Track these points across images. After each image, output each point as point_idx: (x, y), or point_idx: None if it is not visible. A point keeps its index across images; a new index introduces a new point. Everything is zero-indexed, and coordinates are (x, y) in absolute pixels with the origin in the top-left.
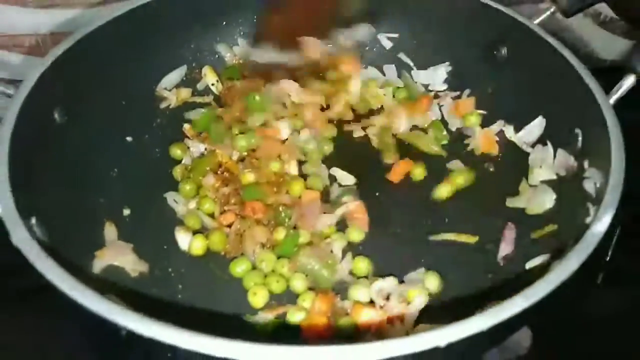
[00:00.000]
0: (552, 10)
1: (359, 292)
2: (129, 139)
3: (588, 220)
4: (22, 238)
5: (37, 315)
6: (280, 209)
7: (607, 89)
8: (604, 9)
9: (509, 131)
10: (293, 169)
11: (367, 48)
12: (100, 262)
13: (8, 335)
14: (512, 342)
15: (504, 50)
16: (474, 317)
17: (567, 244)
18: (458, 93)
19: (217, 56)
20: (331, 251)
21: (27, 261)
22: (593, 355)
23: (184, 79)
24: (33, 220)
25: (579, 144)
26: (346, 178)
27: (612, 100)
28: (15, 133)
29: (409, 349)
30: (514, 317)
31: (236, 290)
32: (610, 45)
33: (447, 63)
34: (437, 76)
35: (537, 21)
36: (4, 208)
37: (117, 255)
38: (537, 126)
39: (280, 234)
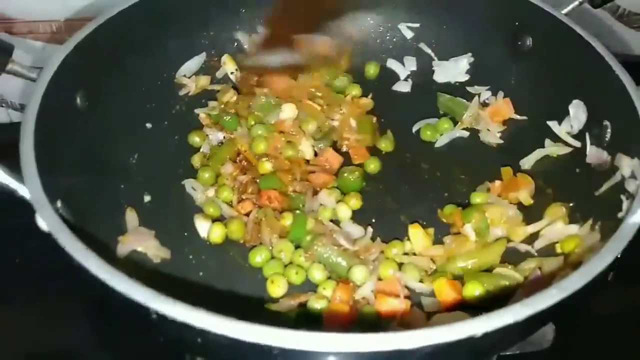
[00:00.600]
0: (580, 0)
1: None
2: (148, 125)
3: (621, 214)
4: (51, 221)
5: (59, 299)
6: (293, 195)
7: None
8: (623, 1)
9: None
10: (308, 152)
11: (388, 37)
12: (124, 248)
13: (29, 321)
14: (537, 336)
15: (528, 41)
16: (510, 307)
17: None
18: (487, 97)
19: (236, 44)
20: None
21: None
22: (605, 351)
23: (203, 66)
24: (59, 204)
25: (608, 136)
26: None
27: None
28: (39, 117)
29: (445, 337)
30: (548, 308)
31: (258, 278)
32: (632, 39)
33: (469, 54)
34: (458, 67)
35: (564, 11)
36: (31, 191)
37: (140, 241)
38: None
39: (287, 219)
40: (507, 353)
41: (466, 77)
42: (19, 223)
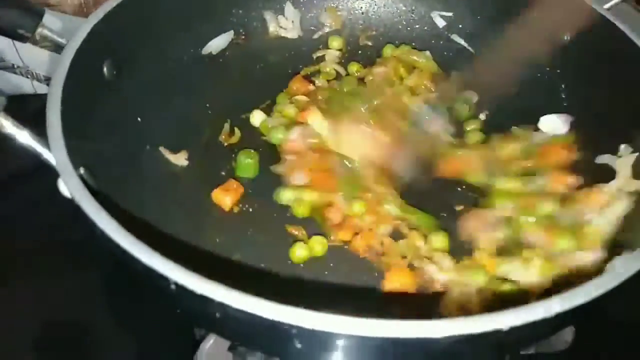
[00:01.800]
0: None
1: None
2: (175, 98)
3: None
4: (75, 186)
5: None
6: None
7: None
8: None
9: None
10: None
11: (418, 26)
12: None
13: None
14: (556, 336)
15: (567, 35)
16: (539, 303)
17: None
18: None
19: (263, 23)
20: None
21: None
22: (624, 356)
23: (230, 44)
24: (82, 170)
25: None
26: None
27: None
28: (67, 84)
29: (470, 329)
30: (572, 310)
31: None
32: None
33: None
34: None
35: (607, 5)
36: (56, 156)
37: None
38: None
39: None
40: (524, 352)
41: None
42: (40, 192)
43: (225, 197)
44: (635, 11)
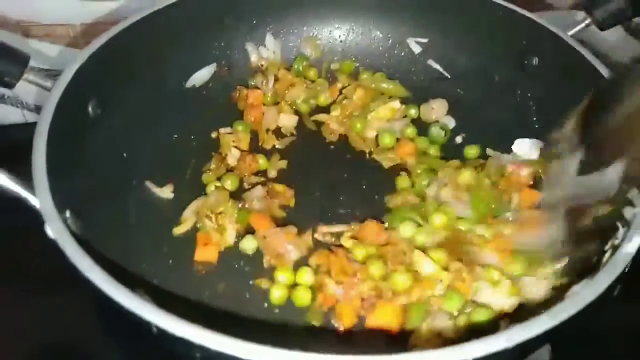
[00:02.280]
0: (587, 22)
1: None
2: (159, 134)
3: (617, 241)
4: (59, 232)
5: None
6: None
7: None
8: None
9: None
10: None
11: (395, 53)
12: None
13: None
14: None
15: (535, 60)
16: (497, 335)
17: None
18: None
19: (245, 54)
20: None
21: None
22: None
23: (213, 76)
24: (68, 214)
25: None
26: None
27: None
28: (52, 128)
29: None
30: (537, 336)
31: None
32: None
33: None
34: None
35: (571, 32)
36: (41, 202)
37: None
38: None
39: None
40: None
41: None
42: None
43: (209, 251)
44: (600, 35)
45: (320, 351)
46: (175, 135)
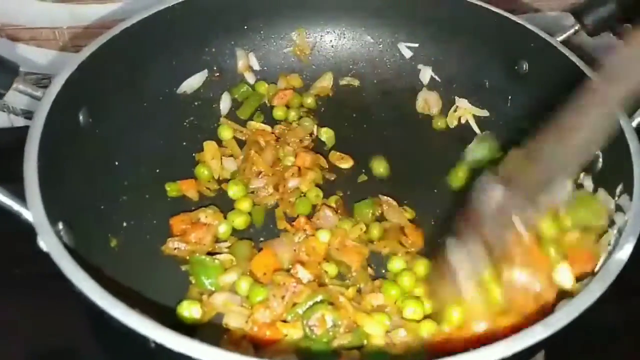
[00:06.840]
0: (576, 28)
1: None
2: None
3: (609, 248)
4: (53, 246)
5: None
6: None
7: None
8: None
9: None
10: None
11: (386, 58)
12: None
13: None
14: None
15: (525, 65)
16: (492, 346)
17: None
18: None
19: (236, 61)
20: None
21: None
22: None
23: (204, 82)
24: (60, 226)
25: (599, 167)
26: None
27: (635, 123)
28: (42, 140)
29: None
30: (532, 346)
31: None
32: None
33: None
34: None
35: (560, 38)
36: (34, 214)
37: None
38: None
39: None
40: None
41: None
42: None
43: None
44: (588, 40)
45: None
46: (168, 142)
